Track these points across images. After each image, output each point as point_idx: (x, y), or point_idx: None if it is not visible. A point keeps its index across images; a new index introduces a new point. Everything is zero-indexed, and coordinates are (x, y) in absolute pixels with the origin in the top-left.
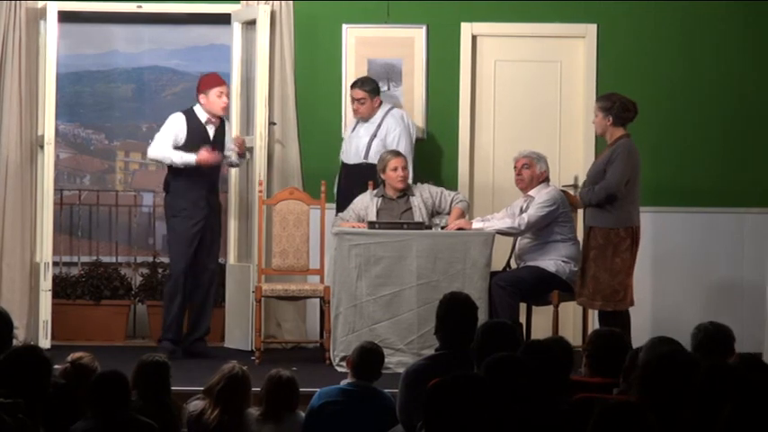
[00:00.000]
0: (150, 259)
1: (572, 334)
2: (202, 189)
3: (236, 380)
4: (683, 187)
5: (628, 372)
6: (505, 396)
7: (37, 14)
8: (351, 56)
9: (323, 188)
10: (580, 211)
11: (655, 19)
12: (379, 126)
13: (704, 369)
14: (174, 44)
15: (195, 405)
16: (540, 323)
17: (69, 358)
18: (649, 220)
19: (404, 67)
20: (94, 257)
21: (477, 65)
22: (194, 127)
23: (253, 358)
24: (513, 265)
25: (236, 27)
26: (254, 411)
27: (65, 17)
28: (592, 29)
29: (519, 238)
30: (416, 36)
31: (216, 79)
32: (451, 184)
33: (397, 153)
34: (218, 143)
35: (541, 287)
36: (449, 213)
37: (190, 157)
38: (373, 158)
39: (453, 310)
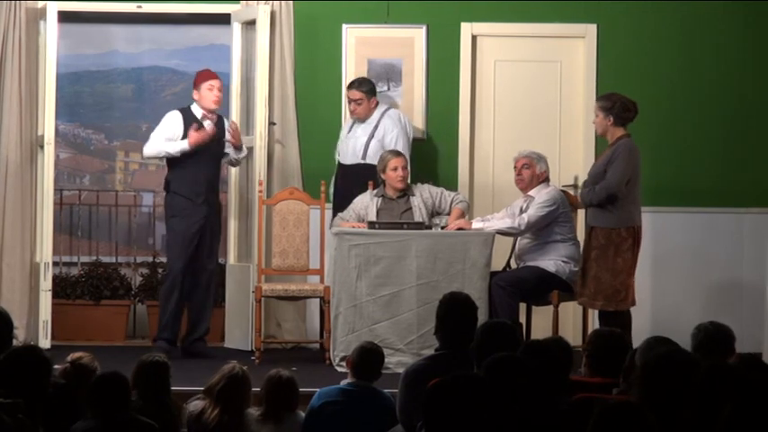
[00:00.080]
0: (150, 259)
1: (572, 334)
2: (202, 188)
3: (236, 380)
4: (682, 187)
5: (627, 372)
6: (505, 396)
7: (37, 14)
8: (351, 56)
9: (323, 188)
10: (580, 212)
11: (654, 19)
12: (377, 126)
13: (704, 369)
14: (174, 44)
15: (195, 405)
16: (539, 323)
17: (69, 358)
18: (649, 220)
19: (404, 67)
20: (94, 257)
21: (477, 65)
22: (190, 123)
23: (253, 358)
24: (513, 265)
25: (236, 27)
26: (253, 411)
27: (65, 17)
28: (592, 29)
29: (519, 238)
30: (416, 36)
31: (207, 74)
32: (451, 185)
33: (397, 153)
34: (217, 141)
35: (541, 287)
36: (449, 214)
37: (183, 144)
38: (371, 159)
39: (453, 310)
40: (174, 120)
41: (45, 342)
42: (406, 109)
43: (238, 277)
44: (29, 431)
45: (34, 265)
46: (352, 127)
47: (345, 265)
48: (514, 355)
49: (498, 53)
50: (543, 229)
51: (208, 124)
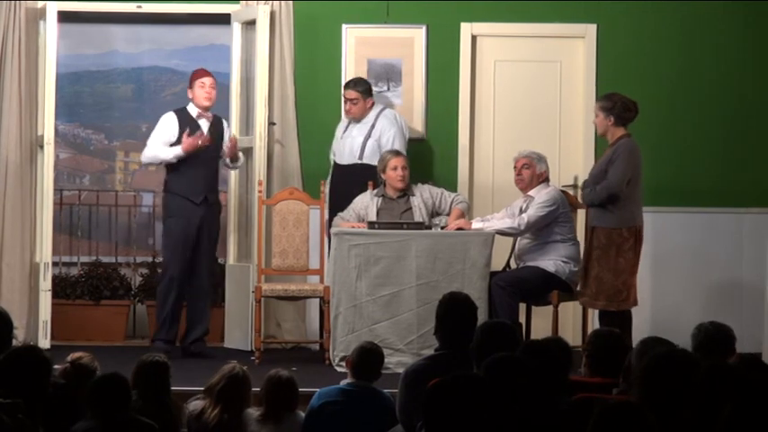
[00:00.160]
0: (150, 259)
1: (572, 334)
2: (200, 188)
3: (236, 379)
4: (682, 187)
5: (627, 372)
6: (505, 396)
7: (36, 14)
8: (350, 56)
9: (322, 188)
10: (580, 212)
11: (654, 19)
12: (373, 126)
13: (704, 369)
14: (174, 44)
15: (195, 405)
16: (539, 323)
17: (69, 358)
18: (649, 220)
19: (403, 67)
20: (94, 257)
21: (477, 65)
22: (186, 123)
23: (252, 358)
24: (513, 265)
25: (236, 27)
26: (253, 411)
27: (64, 17)
28: (591, 29)
29: (519, 238)
30: (416, 36)
31: (199, 72)
32: (451, 184)
33: (397, 153)
34: (214, 139)
35: (541, 287)
36: (449, 214)
37: (176, 150)
38: (368, 159)
39: (453, 310)
40: (168, 122)
41: (45, 342)
42: (406, 109)
43: (238, 277)
44: (29, 431)
45: (34, 265)
46: (347, 127)
47: (345, 265)
48: (514, 355)
49: (498, 53)
50: (543, 230)
51: (203, 123)
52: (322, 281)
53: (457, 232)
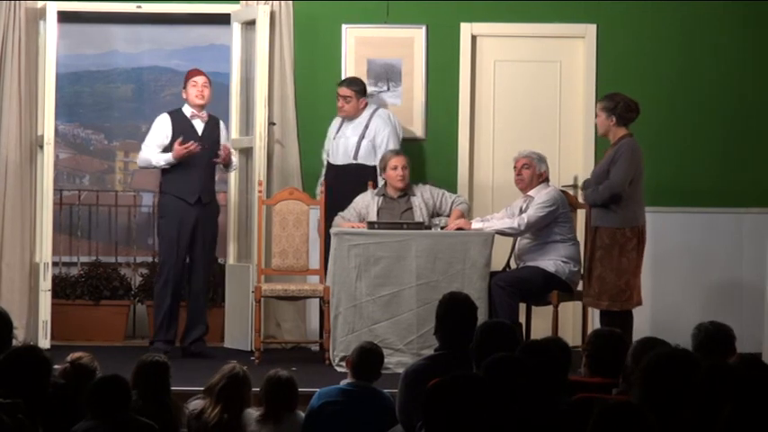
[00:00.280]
0: (150, 259)
1: (572, 334)
2: (194, 189)
3: (236, 379)
4: (682, 187)
5: (627, 372)
6: (505, 396)
7: (36, 14)
8: (350, 56)
9: (322, 188)
10: (580, 212)
11: (654, 19)
12: (367, 126)
13: (704, 369)
14: (174, 44)
15: (195, 404)
16: (539, 323)
17: (69, 358)
18: (649, 220)
19: (403, 67)
20: (94, 257)
21: (477, 65)
22: (180, 123)
23: (252, 358)
24: (513, 265)
25: (236, 27)
26: (253, 411)
27: (64, 17)
28: (591, 29)
29: (519, 238)
30: (416, 36)
31: (192, 72)
32: (451, 184)
33: (397, 152)
34: (209, 139)
35: (541, 287)
36: (449, 215)
37: (168, 157)
38: (362, 159)
39: (453, 310)
40: (162, 124)
41: (45, 342)
42: (406, 109)
43: (238, 277)
44: (29, 431)
45: (34, 265)
46: (340, 127)
47: (345, 265)
48: (514, 355)
49: (498, 53)
50: (543, 230)
51: (198, 123)
52: (322, 281)
53: (457, 232)
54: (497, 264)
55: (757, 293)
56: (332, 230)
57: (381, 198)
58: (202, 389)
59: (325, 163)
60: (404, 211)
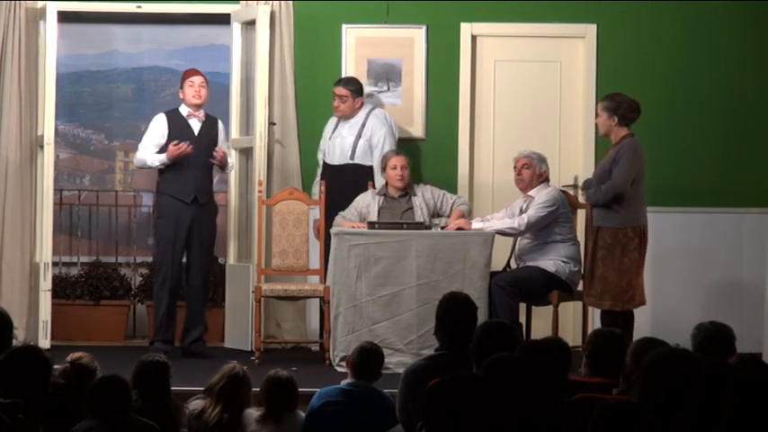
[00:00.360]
0: (150, 259)
1: (572, 334)
2: (190, 189)
3: (236, 379)
4: (682, 187)
5: (627, 372)
6: (505, 396)
7: (37, 14)
8: (351, 56)
9: (323, 188)
10: (580, 212)
11: (654, 19)
12: (363, 126)
13: (704, 369)
14: (174, 44)
15: (195, 404)
16: (539, 323)
17: (69, 358)
18: (649, 220)
19: (404, 67)
20: (94, 257)
21: (477, 65)
22: (176, 123)
23: (253, 358)
24: (513, 265)
25: (236, 27)
26: (253, 411)
27: (64, 17)
28: (592, 29)
29: (519, 238)
30: (416, 36)
31: (189, 72)
32: (451, 184)
33: (398, 152)
34: (206, 139)
35: (541, 287)
36: (449, 216)
37: (162, 158)
38: (359, 159)
39: (453, 310)
40: (158, 124)
41: (45, 342)
42: (406, 109)
43: (238, 277)
44: (29, 431)
45: (34, 265)
46: (336, 127)
47: (345, 265)
48: (514, 355)
49: (498, 53)
50: (543, 230)
51: (194, 122)
52: (322, 281)
53: (457, 232)
54: (497, 264)
55: (757, 293)
56: (332, 230)
57: (382, 198)
58: (202, 389)
59: (321, 163)
60: (404, 210)
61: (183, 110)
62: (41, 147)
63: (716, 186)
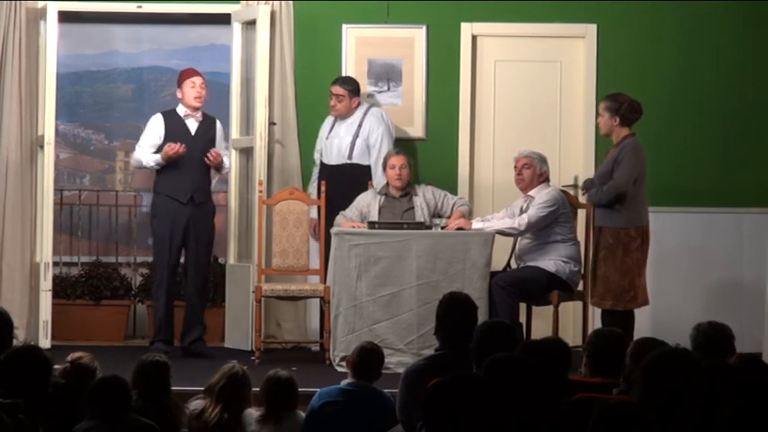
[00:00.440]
0: (150, 259)
1: (572, 334)
2: (187, 189)
3: (236, 379)
4: (682, 187)
5: (627, 372)
6: (505, 396)
7: (37, 14)
8: (351, 56)
9: (323, 188)
10: (580, 212)
11: (654, 19)
12: (360, 125)
13: (704, 369)
14: (174, 44)
15: (195, 404)
16: (539, 323)
17: (69, 358)
18: (650, 219)
19: (404, 67)
20: (94, 257)
21: (477, 65)
22: (173, 123)
23: (253, 358)
24: (513, 265)
25: (236, 27)
26: (253, 411)
27: (65, 17)
28: (592, 29)
29: (519, 238)
30: (416, 36)
31: (189, 72)
32: (451, 184)
33: (398, 152)
34: (203, 139)
35: (541, 287)
36: (450, 217)
37: (157, 158)
38: (357, 158)
39: (453, 310)
40: (155, 125)
41: (45, 342)
42: (406, 109)
43: (238, 277)
44: (29, 431)
45: (34, 265)
46: (332, 127)
47: (345, 265)
48: (514, 355)
49: (498, 53)
50: (543, 230)
51: (191, 123)
52: (322, 281)
53: (457, 232)
54: (498, 264)
55: (757, 293)
56: (332, 230)
57: (383, 197)
58: (202, 389)
59: (318, 163)
60: (405, 210)
61: (181, 110)
62: (42, 147)
63: (716, 186)
